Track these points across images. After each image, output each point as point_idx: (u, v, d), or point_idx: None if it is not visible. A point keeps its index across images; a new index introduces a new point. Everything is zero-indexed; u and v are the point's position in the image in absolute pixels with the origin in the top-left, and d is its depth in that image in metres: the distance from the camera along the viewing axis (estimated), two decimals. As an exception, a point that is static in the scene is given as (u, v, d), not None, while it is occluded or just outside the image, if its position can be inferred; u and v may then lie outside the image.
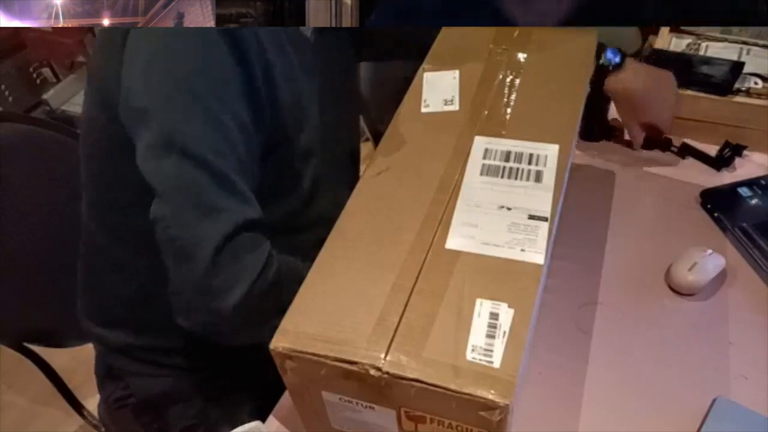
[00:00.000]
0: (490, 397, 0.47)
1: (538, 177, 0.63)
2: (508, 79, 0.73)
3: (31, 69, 2.25)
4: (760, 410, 0.66)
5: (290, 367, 0.53)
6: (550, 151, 0.65)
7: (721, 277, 0.80)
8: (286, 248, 0.69)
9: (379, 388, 0.50)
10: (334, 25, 0.72)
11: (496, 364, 0.48)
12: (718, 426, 0.65)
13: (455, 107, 0.71)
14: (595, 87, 0.88)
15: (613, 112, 0.98)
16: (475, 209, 0.60)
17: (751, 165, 0.96)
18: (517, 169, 0.64)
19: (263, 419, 0.70)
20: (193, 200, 0.62)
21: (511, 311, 0.52)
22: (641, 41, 1.21)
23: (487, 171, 0.64)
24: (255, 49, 0.65)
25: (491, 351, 0.49)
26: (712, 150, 0.98)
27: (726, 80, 0.96)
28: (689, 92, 0.97)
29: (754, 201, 0.89)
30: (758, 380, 0.70)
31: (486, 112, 0.70)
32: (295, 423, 0.69)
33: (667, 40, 1.09)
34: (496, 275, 0.55)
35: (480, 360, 0.49)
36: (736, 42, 1.06)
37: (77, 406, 1.03)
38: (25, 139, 0.93)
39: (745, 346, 0.73)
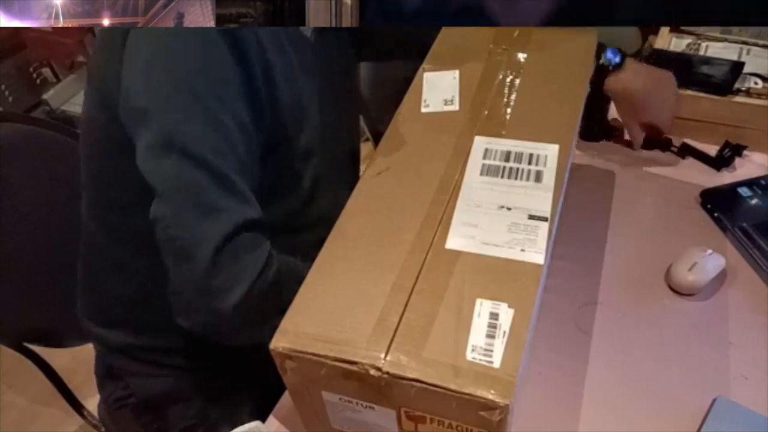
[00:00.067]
0: (490, 397, 0.47)
1: (538, 177, 0.63)
2: (508, 79, 0.73)
3: (31, 69, 2.25)
4: (760, 410, 0.66)
5: (290, 367, 0.53)
6: (550, 151, 0.65)
7: (721, 277, 0.80)
8: (286, 248, 0.69)
9: (379, 388, 0.50)
10: (334, 25, 0.72)
11: (496, 364, 0.48)
12: (718, 426, 0.65)
13: (455, 107, 0.71)
14: (595, 87, 0.88)
15: (613, 112, 0.98)
16: (475, 209, 0.60)
17: (751, 165, 0.96)
18: (517, 169, 0.64)
19: (263, 419, 0.70)
20: (193, 200, 0.62)
21: (511, 311, 0.52)
22: (641, 41, 1.21)
23: (487, 171, 0.64)
24: (255, 49, 0.65)
25: (491, 351, 0.49)
26: (712, 150, 0.98)
27: (726, 80, 0.96)
28: (689, 92, 0.97)
29: (754, 201, 0.89)
30: (758, 380, 0.70)
31: (486, 112, 0.70)
32: (295, 423, 0.69)
33: (667, 40, 1.09)
34: (496, 275, 0.55)
35: (480, 360, 0.49)
36: (736, 42, 1.06)
37: (77, 406, 1.03)
38: (25, 139, 0.93)
39: (745, 346, 0.73)
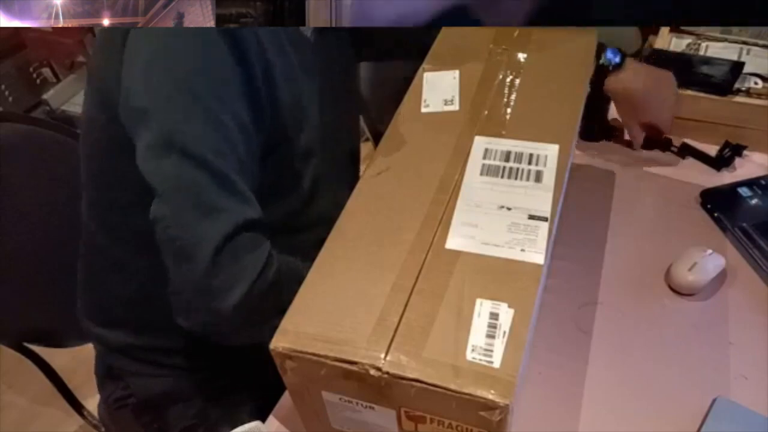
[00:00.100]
0: (490, 397, 0.47)
1: (538, 177, 0.63)
2: (508, 79, 0.73)
3: (31, 69, 2.25)
4: (760, 410, 0.66)
5: (290, 367, 0.53)
6: (550, 151, 0.65)
7: (721, 277, 0.80)
8: (286, 248, 0.69)
9: (379, 388, 0.50)
10: (334, 25, 0.72)
11: (496, 364, 0.48)
12: (718, 426, 0.65)
13: (455, 107, 0.71)
14: (595, 87, 0.88)
15: (613, 112, 0.98)
16: (475, 209, 0.60)
17: (751, 165, 0.96)
18: (517, 169, 0.64)
19: (263, 419, 0.70)
20: (193, 200, 0.62)
21: (511, 311, 0.52)
22: (641, 41, 1.21)
23: (487, 171, 0.64)
24: (255, 49, 0.65)
25: (491, 351, 0.49)
26: (712, 150, 0.98)
27: (726, 80, 0.96)
28: (689, 92, 0.97)
29: (754, 201, 0.89)
30: (758, 380, 0.70)
31: (486, 112, 0.70)
32: (295, 423, 0.69)
33: (667, 40, 1.09)
34: (496, 275, 0.55)
35: (480, 360, 0.49)
36: (736, 42, 1.06)
37: (77, 406, 1.03)
38: (25, 139, 0.93)
39: (745, 346, 0.73)
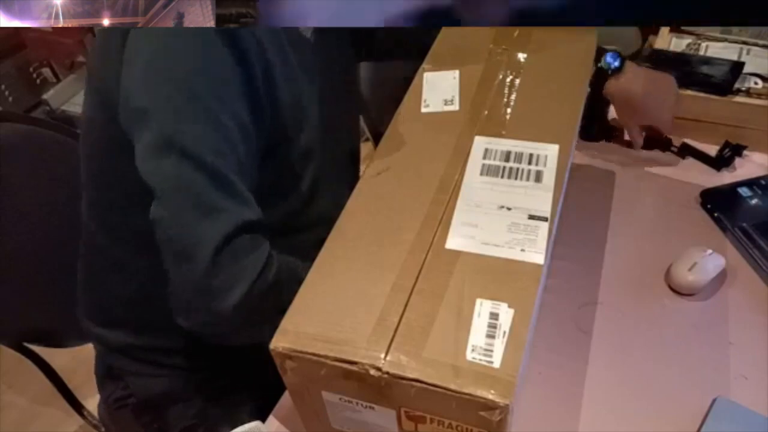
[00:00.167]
0: (490, 397, 0.47)
1: (538, 177, 0.63)
2: (508, 79, 0.73)
3: (31, 69, 2.25)
4: (760, 410, 0.66)
5: (290, 367, 0.53)
6: (550, 151, 0.65)
7: (721, 277, 0.80)
8: (286, 248, 0.69)
9: (379, 388, 0.50)
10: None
11: (496, 364, 0.48)
12: (718, 426, 0.65)
13: (455, 107, 0.71)
14: (594, 89, 0.88)
15: (612, 112, 0.98)
16: (475, 209, 0.60)
17: (751, 165, 0.96)
18: (517, 169, 0.64)
19: (263, 419, 0.70)
20: (192, 200, 0.62)
21: (511, 311, 0.52)
22: (641, 41, 1.21)
23: (487, 171, 0.64)
24: (255, 49, 0.65)
25: (491, 351, 0.49)
26: (712, 150, 0.98)
27: (726, 80, 0.97)
28: (689, 92, 0.97)
29: (754, 201, 0.89)
30: (758, 380, 0.70)
31: (486, 112, 0.70)
32: (295, 423, 0.69)
33: (667, 40, 1.09)
34: (496, 275, 0.55)
35: (480, 360, 0.49)
36: (736, 42, 1.06)
37: (77, 406, 1.03)
38: (25, 139, 0.93)
39: (745, 346, 0.73)
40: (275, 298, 0.62)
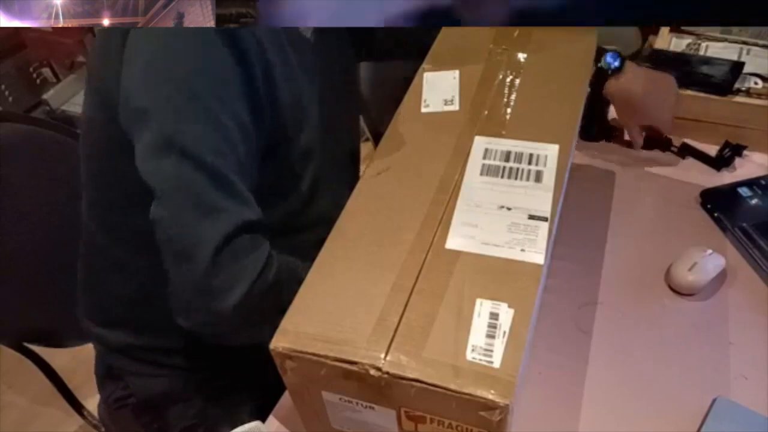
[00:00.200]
0: (490, 397, 0.47)
1: (538, 177, 0.63)
2: (508, 79, 0.73)
3: (31, 69, 2.25)
4: (760, 410, 0.66)
5: (290, 367, 0.53)
6: (550, 151, 0.65)
7: (721, 277, 0.80)
8: (286, 248, 0.69)
9: (379, 388, 0.50)
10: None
11: (496, 364, 0.48)
12: (718, 426, 0.65)
13: (455, 107, 0.71)
14: (594, 89, 0.88)
15: (612, 112, 0.98)
16: (475, 209, 0.60)
17: (751, 165, 0.96)
18: (517, 169, 0.64)
19: (263, 419, 0.70)
20: (192, 200, 0.62)
21: (511, 311, 0.52)
22: (641, 41, 1.21)
23: (487, 171, 0.64)
24: (255, 49, 0.65)
25: (491, 351, 0.49)
26: (712, 150, 0.98)
27: (726, 80, 0.96)
28: (689, 92, 0.97)
29: (754, 201, 0.89)
30: (758, 380, 0.70)
31: (486, 112, 0.70)
32: (295, 423, 0.69)
33: (667, 40, 1.09)
34: (496, 275, 0.55)
35: (480, 360, 0.49)
36: (736, 42, 1.06)
37: (77, 406, 1.03)
38: (25, 139, 0.93)
39: (745, 346, 0.73)
40: (275, 298, 0.62)
